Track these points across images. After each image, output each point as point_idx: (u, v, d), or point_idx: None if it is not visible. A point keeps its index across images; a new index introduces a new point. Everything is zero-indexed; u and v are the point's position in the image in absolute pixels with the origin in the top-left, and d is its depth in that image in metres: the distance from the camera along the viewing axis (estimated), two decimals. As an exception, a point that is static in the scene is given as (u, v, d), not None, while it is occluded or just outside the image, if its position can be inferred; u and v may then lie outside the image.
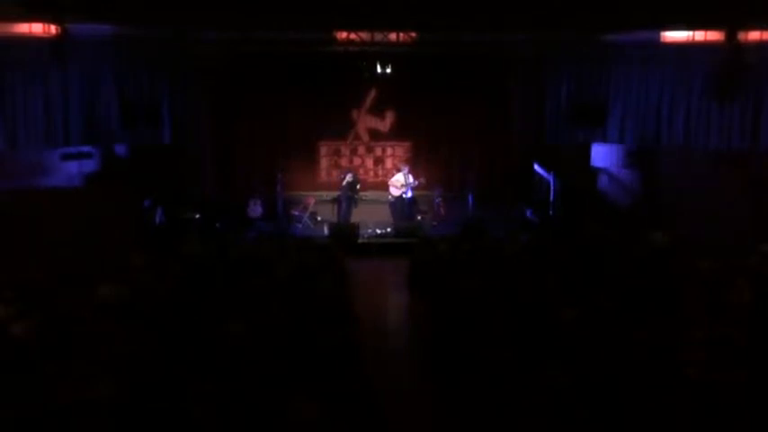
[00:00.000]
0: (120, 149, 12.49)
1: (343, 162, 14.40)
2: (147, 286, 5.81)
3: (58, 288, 5.91)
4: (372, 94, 14.19)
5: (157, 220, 11.82)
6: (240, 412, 3.56)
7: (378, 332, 7.29)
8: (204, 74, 12.91)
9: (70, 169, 11.45)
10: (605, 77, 12.12)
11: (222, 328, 4.56)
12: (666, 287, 5.69)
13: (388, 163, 14.50)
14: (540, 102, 12.83)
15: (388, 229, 12.42)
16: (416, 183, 12.96)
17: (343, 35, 11.89)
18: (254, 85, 13.68)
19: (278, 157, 13.81)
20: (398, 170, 13.31)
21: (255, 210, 13.25)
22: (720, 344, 4.37)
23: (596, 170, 13.38)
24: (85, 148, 11.65)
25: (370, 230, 12.40)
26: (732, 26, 10.39)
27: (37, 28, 10.36)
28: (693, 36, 11.24)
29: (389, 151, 14.60)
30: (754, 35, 10.60)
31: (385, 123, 14.44)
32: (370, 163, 14.58)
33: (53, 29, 10.24)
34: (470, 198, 13.14)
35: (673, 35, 11.40)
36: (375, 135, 14.51)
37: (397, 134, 14.48)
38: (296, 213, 13.17)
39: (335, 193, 13.30)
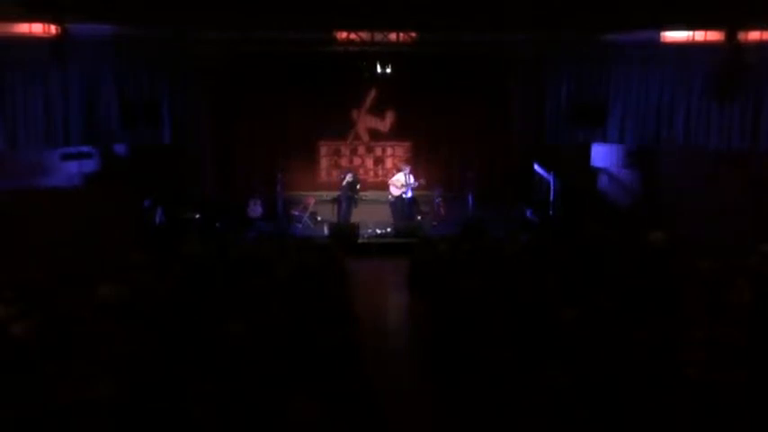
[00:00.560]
0: (120, 149, 12.48)
1: (344, 162, 14.40)
2: (147, 286, 5.81)
3: (58, 288, 5.91)
4: (372, 94, 14.19)
5: (157, 220, 11.82)
6: (240, 412, 3.56)
7: (378, 332, 7.29)
8: (204, 74, 12.91)
9: (70, 169, 11.44)
10: (605, 77, 12.11)
11: (222, 328, 4.56)
12: (666, 287, 5.69)
13: (388, 163, 14.50)
14: (540, 102, 12.83)
15: (388, 229, 12.42)
16: (417, 183, 12.96)
17: (343, 35, 11.89)
18: (254, 85, 13.69)
19: (278, 157, 13.81)
20: (399, 170, 13.31)
21: (255, 210, 13.25)
22: (720, 344, 4.38)
23: (596, 170, 13.38)
24: (85, 148, 11.65)
25: (370, 230, 12.40)
26: (732, 26, 10.39)
27: (37, 28, 10.36)
28: (693, 36, 11.24)
29: (389, 151, 14.60)
30: (754, 35, 10.59)
31: (385, 123, 14.45)
32: (370, 163, 14.58)
33: (53, 29, 10.24)
34: (470, 198, 13.14)
35: (673, 35, 11.40)
36: (375, 135, 14.51)
37: (397, 134, 14.49)
38: (296, 213, 13.17)
39: (335, 193, 13.31)
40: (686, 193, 11.28)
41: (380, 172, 14.50)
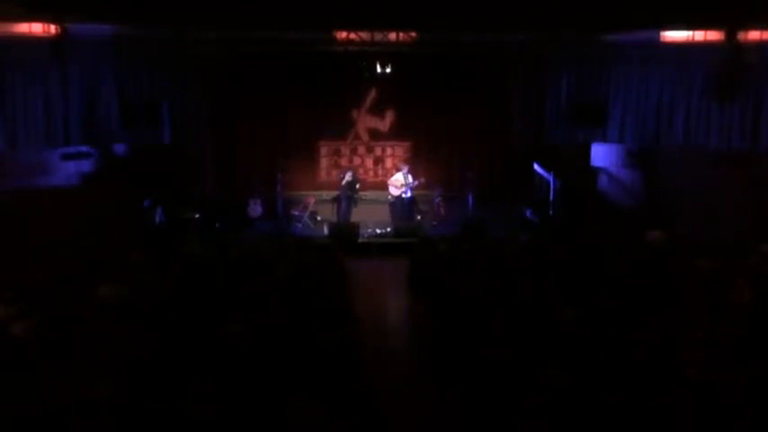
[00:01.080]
0: (120, 149, 12.48)
1: (343, 162, 14.40)
2: (147, 286, 5.81)
3: (58, 288, 5.91)
4: (372, 93, 14.19)
5: (157, 219, 11.82)
6: (240, 412, 3.56)
7: (378, 332, 7.29)
8: (204, 74, 12.90)
9: (70, 169, 11.44)
10: (605, 77, 12.11)
11: (222, 328, 4.56)
12: (666, 287, 5.69)
13: (388, 163, 14.50)
14: (540, 102, 12.83)
15: (388, 229, 12.42)
16: (416, 183, 12.96)
17: (343, 35, 11.89)
18: (254, 85, 13.69)
19: (278, 157, 13.80)
20: (398, 170, 13.31)
21: (255, 210, 13.25)
22: (720, 344, 4.37)
23: (596, 170, 13.38)
24: (85, 148, 11.64)
25: (370, 230, 12.40)
26: (732, 26, 10.39)
27: (37, 28, 10.36)
28: (693, 36, 11.23)
29: (389, 151, 14.60)
30: (754, 35, 10.59)
31: (385, 123, 14.45)
32: (369, 163, 14.58)
33: (53, 29, 10.25)
34: (470, 198, 13.14)
35: (673, 35, 11.40)
36: (375, 135, 14.51)
37: (396, 134, 14.49)
38: (296, 213, 13.17)
39: (335, 193, 13.31)
40: (686, 193, 11.28)
41: (380, 172, 14.50)
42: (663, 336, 4.47)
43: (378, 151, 14.60)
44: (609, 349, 4.31)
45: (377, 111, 14.37)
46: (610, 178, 13.23)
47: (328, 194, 13.65)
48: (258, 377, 3.90)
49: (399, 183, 12.94)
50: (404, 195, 12.93)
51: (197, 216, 12.23)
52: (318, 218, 13.37)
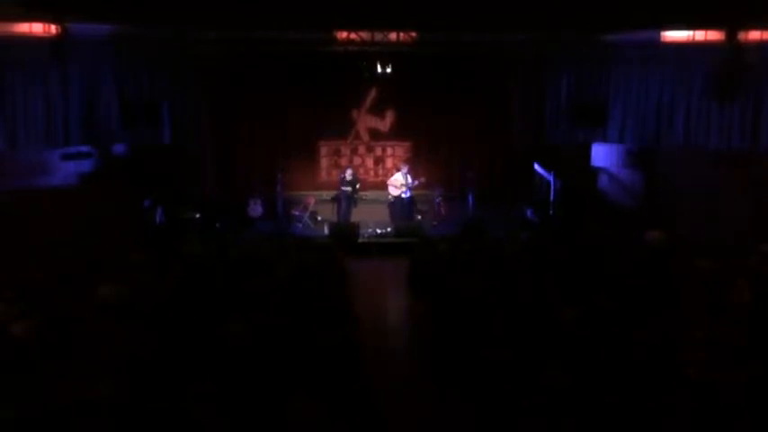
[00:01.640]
0: (120, 149, 12.48)
1: (344, 162, 14.40)
2: (147, 286, 5.81)
3: (58, 288, 5.91)
4: (372, 93, 14.19)
5: (157, 219, 11.82)
6: (240, 412, 3.56)
7: (378, 332, 7.29)
8: (204, 74, 12.91)
9: (70, 169, 11.44)
10: (605, 77, 12.11)
11: (222, 328, 4.56)
12: (666, 287, 5.69)
13: (389, 163, 14.50)
14: (540, 102, 12.83)
15: (389, 229, 12.42)
16: (416, 183, 12.96)
17: (343, 35, 11.89)
18: (254, 85, 13.68)
19: (278, 157, 13.80)
20: (398, 170, 13.31)
21: (255, 210, 13.25)
22: (720, 344, 4.37)
23: (596, 170, 13.38)
24: (85, 148, 11.64)
25: (370, 230, 12.40)
26: (732, 26, 10.39)
27: (37, 28, 10.35)
28: (693, 36, 11.23)
29: (389, 151, 14.60)
30: (754, 35, 10.59)
31: (385, 123, 14.45)
32: (370, 163, 14.58)
33: (53, 29, 10.24)
34: (470, 198, 13.14)
35: (673, 35, 11.39)
36: (375, 135, 14.51)
37: (397, 134, 14.49)
38: (296, 213, 13.17)
39: (335, 192, 13.31)
40: (686, 193, 11.28)
41: (381, 172, 14.50)
42: (663, 336, 4.47)
43: (378, 151, 14.60)
44: (609, 349, 4.31)
45: (377, 111, 14.37)
46: (610, 178, 13.23)
47: (328, 194, 13.65)
48: (258, 377, 3.90)
49: (399, 183, 12.95)
50: (403, 195, 12.93)
51: (197, 216, 12.23)
52: (319, 218, 13.36)
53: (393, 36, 11.87)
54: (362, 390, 4.15)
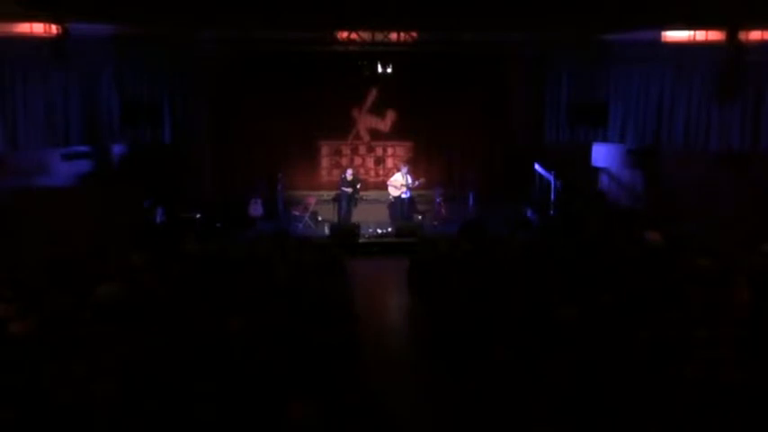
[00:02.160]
0: (120, 149, 12.49)
1: (344, 162, 14.39)
2: (147, 286, 5.81)
3: (58, 288, 5.91)
4: (373, 93, 14.18)
5: (157, 219, 11.82)
6: (240, 412, 3.56)
7: (378, 332, 7.29)
8: (204, 74, 12.90)
9: (70, 169, 11.44)
10: (605, 77, 12.11)
11: (222, 327, 4.56)
12: (666, 287, 5.69)
13: (389, 163, 14.49)
14: (539, 102, 12.83)
15: (389, 229, 12.42)
16: (417, 183, 12.96)
17: (343, 35, 11.89)
18: (254, 84, 13.68)
19: (278, 157, 13.80)
20: (398, 170, 13.31)
21: (256, 209, 13.25)
22: (720, 343, 4.38)
23: (596, 170, 13.37)
24: (86, 148, 11.65)
25: (370, 230, 12.40)
26: (733, 26, 10.38)
27: (37, 28, 10.36)
28: (694, 36, 11.23)
29: (390, 151, 14.59)
30: (755, 35, 10.58)
31: (385, 123, 14.44)
32: (370, 163, 14.57)
33: (54, 29, 10.24)
34: (470, 198, 13.14)
35: (673, 35, 11.39)
36: (376, 135, 14.50)
37: (397, 134, 14.47)
38: (297, 213, 13.17)
39: (336, 192, 13.31)
40: (686, 193, 11.28)
41: (381, 172, 14.49)
42: (663, 335, 4.47)
43: (378, 151, 14.59)
44: (609, 349, 4.31)
45: (377, 110, 14.36)
46: (610, 178, 13.23)
47: (329, 194, 13.65)
48: (258, 377, 3.90)
49: (399, 183, 12.95)
50: (403, 196, 12.94)
51: (197, 216, 12.22)
52: (319, 218, 13.36)
53: (393, 36, 11.88)
54: (362, 389, 4.15)
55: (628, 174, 12.89)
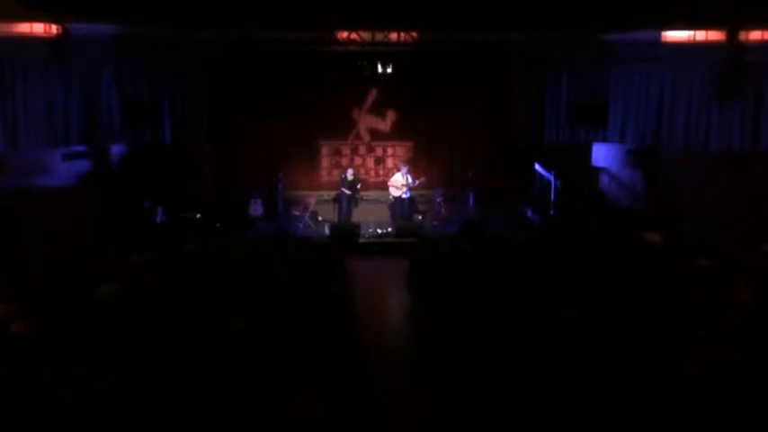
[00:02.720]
0: (120, 149, 12.49)
1: (344, 162, 14.39)
2: (147, 286, 5.82)
3: (58, 288, 5.92)
4: (373, 93, 14.18)
5: (158, 219, 11.82)
6: (240, 412, 3.56)
7: (378, 332, 7.29)
8: (204, 74, 12.90)
9: (70, 169, 11.44)
10: (605, 77, 12.11)
11: (222, 327, 4.56)
12: (667, 287, 5.69)
13: (389, 163, 14.49)
14: (539, 102, 12.83)
15: (389, 229, 12.42)
16: (417, 182, 12.97)
17: (343, 35, 11.89)
18: (254, 84, 13.68)
19: (278, 157, 13.80)
20: (398, 170, 13.31)
21: (256, 209, 13.25)
22: (721, 343, 4.38)
23: (597, 170, 13.37)
24: (86, 148, 11.65)
25: (370, 230, 12.40)
26: (733, 26, 10.38)
27: (37, 28, 10.36)
28: (694, 36, 11.22)
29: (390, 151, 14.59)
30: (755, 35, 10.58)
31: (386, 123, 14.44)
32: (370, 163, 14.57)
33: (54, 29, 10.24)
34: (471, 198, 13.14)
35: (673, 35, 11.39)
36: (376, 135, 14.50)
37: (397, 134, 14.47)
38: (297, 213, 13.17)
39: (336, 192, 13.32)
40: (686, 193, 11.28)
41: (381, 172, 14.49)
42: (663, 335, 4.47)
43: (379, 151, 14.58)
44: (609, 349, 4.31)
45: (378, 110, 14.36)
46: (610, 178, 13.23)
47: (329, 194, 13.65)
48: (258, 377, 3.91)
49: (399, 183, 12.95)
50: (403, 196, 12.94)
51: (197, 216, 12.22)
52: (319, 218, 13.36)
53: (394, 36, 11.88)
54: (362, 389, 4.15)
55: (628, 174, 12.89)
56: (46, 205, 9.90)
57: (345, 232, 11.92)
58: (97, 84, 11.32)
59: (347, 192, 12.90)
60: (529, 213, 13.15)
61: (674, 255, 7.22)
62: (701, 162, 11.38)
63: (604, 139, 12.46)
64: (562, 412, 3.67)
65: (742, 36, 10.47)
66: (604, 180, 13.34)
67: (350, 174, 13.00)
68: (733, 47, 10.53)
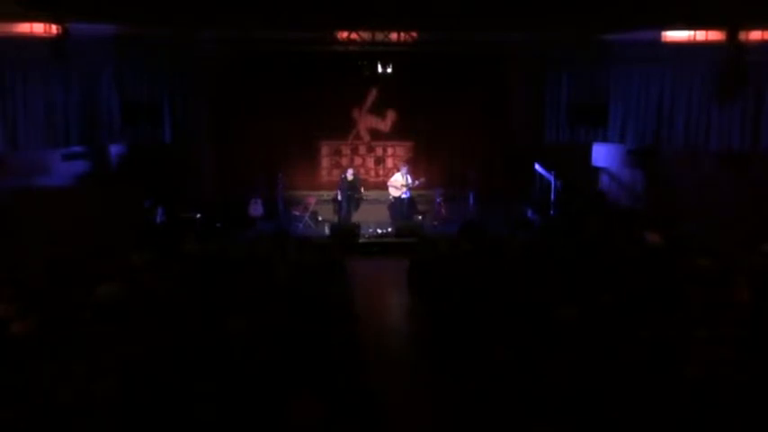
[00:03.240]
0: (120, 149, 12.49)
1: (344, 162, 14.38)
2: (147, 286, 5.82)
3: (58, 288, 5.92)
4: (373, 93, 14.17)
5: (158, 219, 11.82)
6: (240, 412, 3.56)
7: (378, 332, 7.29)
8: (204, 74, 12.90)
9: (70, 169, 11.44)
10: (605, 77, 12.11)
11: (222, 327, 4.56)
12: (667, 287, 5.69)
13: (389, 163, 14.49)
14: (539, 102, 12.83)
15: (389, 229, 12.42)
16: (417, 182, 12.97)
17: (343, 35, 11.89)
18: (254, 84, 13.68)
19: (278, 157, 13.80)
20: (398, 170, 13.31)
21: (256, 209, 13.25)
22: (721, 343, 4.38)
23: (597, 170, 13.37)
24: (86, 148, 11.65)
25: (370, 230, 12.40)
26: (733, 26, 10.38)
27: (37, 28, 10.36)
28: (694, 36, 11.22)
29: (390, 151, 14.58)
30: (755, 35, 10.58)
31: (386, 123, 14.44)
32: (370, 163, 14.57)
33: (54, 29, 10.24)
34: (471, 198, 13.14)
35: (673, 35, 11.39)
36: (376, 135, 14.50)
37: (397, 134, 14.46)
38: (297, 213, 13.17)
39: (336, 192, 13.31)
40: (686, 193, 11.28)
41: (381, 172, 14.48)
42: (663, 335, 4.47)
43: (379, 151, 14.58)
44: (609, 349, 4.31)
45: (377, 111, 14.36)
46: (610, 178, 13.22)
47: (329, 194, 13.65)
48: (258, 377, 3.91)
49: (399, 183, 12.95)
50: (403, 196, 12.94)
51: (197, 216, 12.22)
52: (320, 218, 13.36)
53: (394, 36, 11.88)
54: (362, 389, 4.15)
55: (628, 174, 12.89)
56: (46, 205, 9.89)
57: (345, 232, 11.92)
58: (97, 84, 11.32)
59: (347, 192, 12.89)
60: (529, 213, 13.15)
61: (674, 255, 7.23)
62: (701, 162, 11.38)
63: (604, 139, 12.46)
64: (562, 412, 3.67)
65: (742, 36, 10.47)
66: (604, 180, 13.34)
67: (350, 174, 13.01)
68: (733, 47, 10.52)
